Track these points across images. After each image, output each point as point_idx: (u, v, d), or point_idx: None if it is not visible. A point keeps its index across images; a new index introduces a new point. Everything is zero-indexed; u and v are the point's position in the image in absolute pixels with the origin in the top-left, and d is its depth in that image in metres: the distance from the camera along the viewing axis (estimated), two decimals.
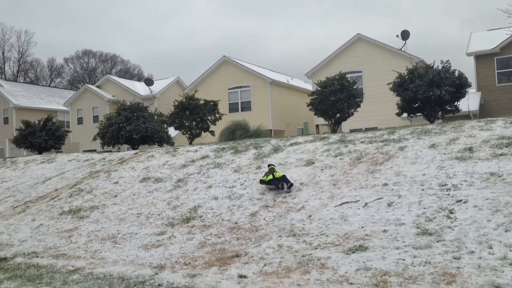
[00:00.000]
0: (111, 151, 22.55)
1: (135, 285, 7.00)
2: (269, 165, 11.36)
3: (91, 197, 13.40)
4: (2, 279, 7.82)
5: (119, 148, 26.13)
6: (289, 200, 10.16)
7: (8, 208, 14.33)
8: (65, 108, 40.77)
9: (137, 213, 11.39)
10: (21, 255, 9.75)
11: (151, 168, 14.96)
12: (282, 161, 12.84)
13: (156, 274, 7.55)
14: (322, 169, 11.57)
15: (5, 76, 70.53)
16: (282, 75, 37.64)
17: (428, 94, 18.76)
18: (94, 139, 25.92)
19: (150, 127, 23.78)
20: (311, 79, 30.55)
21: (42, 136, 26.71)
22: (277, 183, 10.66)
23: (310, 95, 21.72)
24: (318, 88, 21.03)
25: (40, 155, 23.80)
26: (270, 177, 10.86)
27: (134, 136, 23.51)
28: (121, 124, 23.78)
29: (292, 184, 10.70)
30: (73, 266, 8.52)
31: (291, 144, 14.20)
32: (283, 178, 10.74)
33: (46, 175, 18.19)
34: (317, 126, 30.20)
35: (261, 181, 11.06)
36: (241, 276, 6.97)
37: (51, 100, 44.24)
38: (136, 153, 18.43)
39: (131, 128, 23.53)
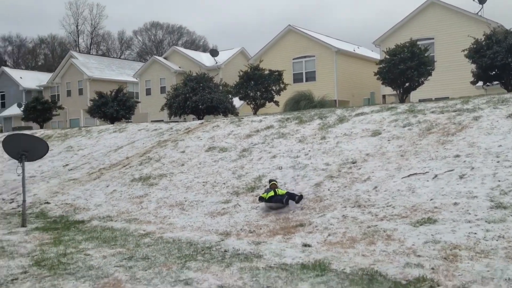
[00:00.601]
0: (177, 121, 23.10)
1: (202, 250, 7.22)
2: (270, 181, 9.74)
3: (159, 165, 13.86)
4: (80, 240, 8.33)
5: (185, 118, 26.74)
6: (354, 171, 10.00)
7: (84, 175, 15.15)
8: (134, 80, 42.11)
9: (203, 182, 11.67)
10: (96, 219, 10.32)
11: (216, 137, 15.20)
12: (347, 131, 12.61)
13: (222, 240, 7.74)
14: (389, 140, 11.25)
15: (79, 49, 73.78)
16: (348, 44, 36.67)
17: (507, 61, 17.60)
18: (162, 109, 26.66)
19: (215, 97, 24.09)
20: (379, 47, 29.53)
21: (113, 107, 27.82)
22: (281, 199, 8.94)
23: (378, 63, 21.02)
24: (387, 56, 20.28)
25: (112, 125, 24.85)
26: (271, 193, 9.09)
27: (200, 106, 23.93)
28: (187, 95, 24.25)
29: (302, 196, 9.12)
30: (144, 230, 8.91)
31: (357, 114, 13.89)
32: (288, 194, 9.10)
33: (118, 143, 19.00)
34: (383, 96, 29.32)
35: (261, 199, 9.24)
36: (305, 245, 7.00)
37: (121, 72, 45.84)
38: (202, 123, 18.78)
39: (197, 99, 23.95)
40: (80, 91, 42.09)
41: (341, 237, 7.11)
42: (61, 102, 38.05)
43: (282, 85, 24.09)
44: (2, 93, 47.11)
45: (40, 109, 31.45)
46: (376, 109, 14.23)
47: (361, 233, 7.06)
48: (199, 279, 5.80)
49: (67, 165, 17.60)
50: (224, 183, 11.24)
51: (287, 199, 8.94)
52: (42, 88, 44.78)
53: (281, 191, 9.19)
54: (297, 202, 8.97)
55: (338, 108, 17.32)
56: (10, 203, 13.63)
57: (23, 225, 9.94)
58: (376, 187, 8.93)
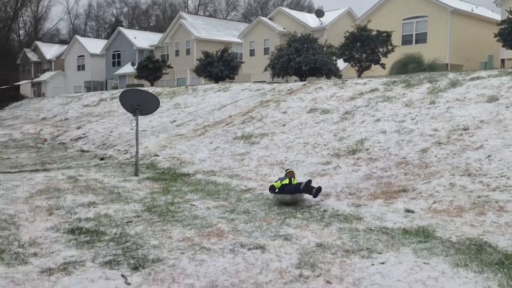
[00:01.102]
0: (279, 82, 23.18)
1: (302, 208, 7.29)
2: (287, 170, 8.74)
3: (261, 124, 14.08)
4: (186, 191, 8.81)
5: (287, 79, 26.73)
6: (466, 138, 9.39)
7: (190, 131, 15.86)
8: (239, 40, 42.68)
9: (304, 142, 11.67)
10: (201, 173, 10.82)
11: (318, 99, 15.04)
12: (460, 96, 11.81)
13: (322, 200, 7.75)
14: (507, 106, 10.37)
15: (187, 9, 76.06)
16: (465, 3, 33.89)
17: None
18: (265, 70, 26.84)
19: (319, 59, 23.72)
20: (500, 6, 26.95)
21: (218, 66, 28.55)
22: (296, 188, 7.59)
23: (499, 24, 19.27)
24: (510, 16, 18.50)
25: (216, 84, 25.59)
26: (286, 181, 7.83)
27: (303, 67, 23.73)
28: (291, 56, 24.13)
29: (320, 188, 7.62)
30: (245, 186, 9.19)
31: (472, 79, 12.93)
32: (307, 182, 7.69)
33: (221, 102, 19.56)
34: (502, 60, 26.90)
35: (271, 188, 7.83)
36: (408, 211, 6.78)
37: (227, 33, 46.65)
38: (304, 84, 18.65)
39: (300, 60, 23.75)
40: (188, 51, 43.62)
41: (448, 205, 6.78)
42: (170, 62, 39.78)
43: (389, 47, 23.06)
44: (118, 52, 50.24)
45: (151, 67, 33.19)
46: (494, 73, 13.13)
47: (470, 203, 6.68)
48: (298, 236, 5.88)
49: (174, 121, 18.52)
50: (325, 145, 11.16)
51: (305, 187, 7.49)
52: (153, 48, 47.03)
53: (296, 181, 7.91)
54: (315, 195, 7.49)
55: (450, 72, 16.24)
56: (124, 154, 14.72)
57: (136, 174, 10.70)
58: (489, 156, 8.33)
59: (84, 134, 20.38)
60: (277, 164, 10.61)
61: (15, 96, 45.95)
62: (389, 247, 5.32)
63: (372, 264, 4.85)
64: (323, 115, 13.38)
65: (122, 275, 4.64)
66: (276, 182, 7.91)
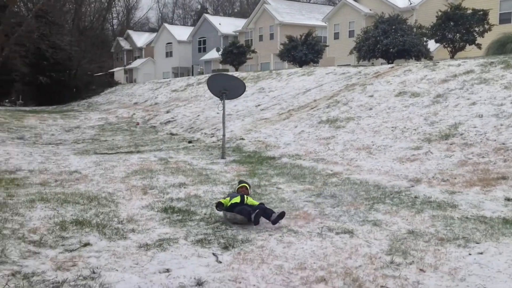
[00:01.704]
0: (365, 66, 22.55)
1: (391, 194, 7.08)
2: (240, 182, 6.98)
3: (346, 108, 13.81)
4: (272, 175, 8.88)
5: (373, 62, 25.94)
6: None
7: (274, 115, 15.94)
8: (323, 24, 42.00)
9: (392, 127, 11.30)
10: (286, 156, 10.84)
11: (407, 82, 14.45)
12: None
13: (412, 186, 7.47)
14: None
15: None
16: None
17: None
18: (350, 53, 26.25)
19: (408, 40, 22.76)
20: None
21: (302, 50, 28.35)
22: (247, 213, 5.71)
23: None
24: None
25: (300, 68, 25.43)
26: (236, 200, 6.04)
27: (391, 49, 22.91)
28: (377, 38, 23.38)
29: (283, 214, 5.71)
30: (331, 170, 9.08)
31: None
32: (260, 208, 5.77)
33: (306, 86, 19.42)
34: None
35: (219, 205, 6.07)
36: (508, 199, 6.36)
37: (310, 16, 46.09)
38: (392, 67, 17.99)
39: (388, 42, 22.94)
40: (271, 36, 43.69)
41: None
42: (254, 47, 40.09)
43: (486, 26, 21.58)
44: (203, 39, 51.50)
45: (236, 53, 33.68)
46: None
47: None
48: (388, 222, 5.72)
49: (259, 105, 18.69)
50: (414, 129, 10.72)
51: (257, 215, 5.61)
52: (238, 33, 47.65)
53: (251, 200, 6.16)
54: (274, 222, 5.60)
55: None
56: (211, 137, 15.12)
57: (223, 157, 10.96)
58: None
59: (172, 118, 21.19)
60: (364, 149, 10.37)
61: (109, 82, 48.78)
62: (488, 237, 5.02)
63: (470, 254, 4.61)
64: (412, 99, 12.84)
65: (213, 254, 4.78)
66: (225, 198, 6.21)
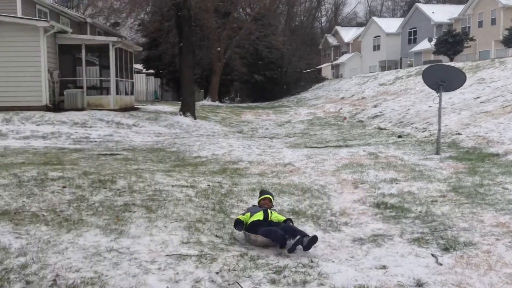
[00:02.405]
0: None
1: None
2: (261, 193, 5.54)
3: None
4: (496, 173, 7.98)
5: None
6: None
7: (497, 107, 14.35)
8: None
9: None
10: None
11: None
12: None
13: None
14: None
15: None
16: None
17: None
18: None
19: None
20: None
21: None
22: (281, 237, 4.58)
23: None
24: None
25: None
26: (259, 216, 4.97)
27: None
28: None
29: (315, 238, 4.57)
30: None
31: None
32: (289, 228, 4.75)
33: None
34: None
35: (238, 223, 4.96)
36: None
37: None
38: None
39: None
40: (493, 21, 39.44)
41: None
42: (471, 34, 36.82)
43: None
44: (414, 29, 49.19)
45: (451, 42, 31.38)
46: None
47: None
48: None
49: (478, 97, 17.08)
50: None
51: (296, 243, 4.50)
52: (453, 21, 44.24)
53: (276, 215, 5.07)
54: (306, 248, 4.51)
55: None
56: (422, 132, 14.36)
57: (437, 153, 10.29)
58: None
59: (380, 112, 20.78)
60: None
61: (317, 78, 50.27)
62: None
63: None
64: None
65: (432, 254, 4.50)
66: (243, 215, 5.07)
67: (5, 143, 12.66)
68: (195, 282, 3.79)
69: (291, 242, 4.48)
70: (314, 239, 4.54)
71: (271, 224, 4.83)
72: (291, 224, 4.94)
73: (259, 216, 4.92)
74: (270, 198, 5.28)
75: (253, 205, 5.41)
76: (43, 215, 5.23)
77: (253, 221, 4.89)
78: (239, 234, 4.98)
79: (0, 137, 13.46)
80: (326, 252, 4.65)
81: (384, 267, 4.23)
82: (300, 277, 3.95)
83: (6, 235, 4.51)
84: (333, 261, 4.37)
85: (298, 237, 4.49)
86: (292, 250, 4.48)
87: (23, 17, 19.06)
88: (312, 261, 4.34)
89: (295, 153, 11.16)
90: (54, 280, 3.61)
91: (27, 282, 3.54)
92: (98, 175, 7.24)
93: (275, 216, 5.00)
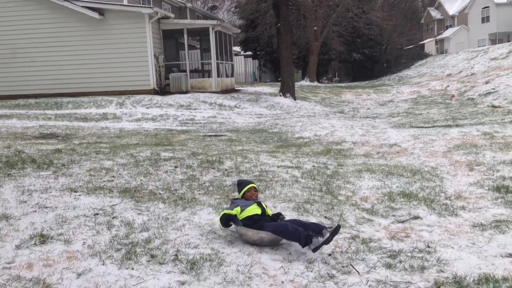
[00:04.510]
0: None
1: None
2: (242, 183, 4.60)
3: None
4: None
5: None
6: None
7: None
8: None
9: None
10: None
11: None
12: None
13: None
14: None
15: None
16: None
17: None
18: None
19: None
20: None
21: None
22: (300, 233, 3.85)
23: None
24: None
25: None
26: (255, 210, 4.23)
27: None
28: None
29: (329, 237, 3.81)
30: None
31: None
32: (297, 222, 4.08)
33: None
34: None
35: (226, 219, 4.20)
36: None
37: None
38: None
39: None
40: None
41: None
42: None
43: None
44: None
45: None
46: None
47: None
48: None
49: None
50: None
51: (310, 236, 3.86)
52: None
53: (268, 209, 4.40)
54: (328, 241, 3.85)
55: None
56: None
57: None
58: None
59: (493, 88, 19.29)
60: None
61: (419, 54, 47.84)
62: None
63: None
64: None
65: None
66: (231, 209, 4.29)
67: (120, 125, 13.56)
68: (308, 263, 3.79)
69: (319, 240, 3.82)
70: (336, 229, 3.89)
71: (270, 219, 4.25)
72: (280, 215, 4.40)
73: (256, 210, 4.26)
74: (255, 187, 4.59)
75: (235, 198, 4.71)
76: (159, 193, 5.52)
77: (250, 215, 4.21)
78: (226, 230, 4.39)
79: (116, 120, 14.45)
80: (443, 237, 4.42)
81: (511, 255, 3.92)
82: (418, 263, 3.80)
83: (129, 211, 4.82)
84: (453, 247, 4.14)
85: (327, 235, 3.82)
86: (317, 249, 3.84)
87: (129, 4, 20.13)
88: (429, 246, 4.15)
89: (400, 133, 10.73)
90: (176, 255, 3.79)
91: (152, 256, 3.75)
92: (206, 156, 7.49)
93: (269, 210, 4.42)
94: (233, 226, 4.25)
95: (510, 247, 4.09)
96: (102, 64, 18.37)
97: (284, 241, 4.12)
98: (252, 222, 4.15)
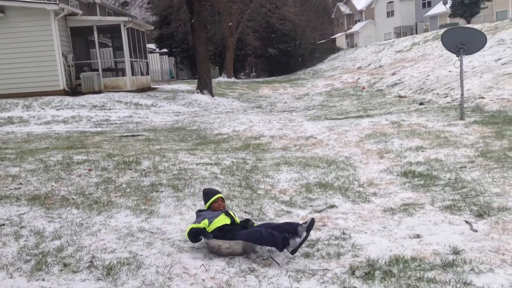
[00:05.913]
0: None
1: None
2: (209, 193, 4.43)
3: None
4: None
5: None
6: None
7: None
8: None
9: None
10: None
11: None
12: None
13: None
14: None
15: None
16: None
17: None
18: None
19: None
20: None
21: None
22: (276, 237, 3.73)
23: None
24: None
25: None
26: (225, 220, 4.09)
27: None
28: None
29: (306, 235, 3.76)
30: None
31: None
32: (269, 225, 4.04)
33: None
34: None
35: (200, 232, 3.93)
36: None
37: None
38: None
39: None
40: None
41: None
42: None
43: None
44: None
45: (467, 3, 30.58)
46: None
47: None
48: None
49: (499, 59, 16.67)
50: None
51: (286, 239, 3.73)
52: None
53: (236, 217, 4.24)
54: (293, 251, 3.73)
55: None
56: (444, 97, 14.10)
57: (461, 118, 10.10)
58: None
59: (399, 80, 20.45)
60: None
61: (332, 48, 49.64)
62: None
63: None
64: None
65: (466, 221, 4.43)
66: (198, 222, 4.06)
67: (28, 129, 12.79)
68: (229, 259, 3.79)
69: (296, 241, 3.68)
70: (311, 224, 3.80)
71: (240, 227, 4.03)
72: (249, 221, 4.23)
73: (225, 220, 4.06)
74: (222, 197, 4.39)
75: (200, 210, 4.42)
76: (72, 198, 5.27)
77: (220, 226, 3.99)
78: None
79: (22, 124, 13.61)
80: (357, 223, 4.61)
81: (418, 236, 4.18)
82: (334, 250, 3.93)
83: (39, 219, 4.56)
84: (366, 232, 4.34)
85: (304, 234, 3.71)
86: (295, 251, 3.70)
87: (32, 1, 18.99)
88: (344, 233, 4.31)
89: (316, 126, 11.07)
90: (91, 261, 3.64)
91: (65, 265, 3.57)
92: (123, 157, 7.26)
93: (237, 218, 4.21)
94: (203, 239, 3.94)
95: (417, 228, 4.36)
96: (6, 65, 17.24)
97: (258, 247, 3.98)
98: (223, 233, 3.93)
